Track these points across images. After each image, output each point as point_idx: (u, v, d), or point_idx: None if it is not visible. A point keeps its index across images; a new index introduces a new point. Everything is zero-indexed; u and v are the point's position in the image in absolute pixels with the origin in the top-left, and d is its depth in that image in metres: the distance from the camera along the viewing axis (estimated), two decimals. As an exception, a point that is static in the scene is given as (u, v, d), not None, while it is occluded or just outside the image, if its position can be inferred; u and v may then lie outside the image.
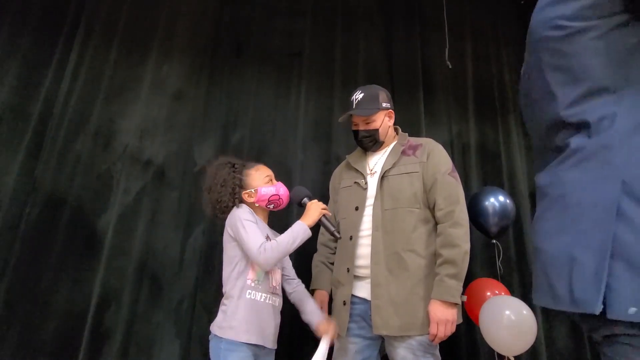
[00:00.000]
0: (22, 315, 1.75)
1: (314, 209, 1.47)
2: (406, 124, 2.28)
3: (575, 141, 0.67)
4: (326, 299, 1.63)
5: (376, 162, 1.64)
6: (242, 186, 1.52)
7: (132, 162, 2.08)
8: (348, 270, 1.52)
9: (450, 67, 2.59)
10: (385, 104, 1.62)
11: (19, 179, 1.92)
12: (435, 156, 1.55)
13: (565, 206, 0.66)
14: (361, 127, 1.62)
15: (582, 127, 0.66)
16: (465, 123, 2.62)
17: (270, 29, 2.49)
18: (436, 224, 1.50)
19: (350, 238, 1.54)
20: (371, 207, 1.53)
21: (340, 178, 1.74)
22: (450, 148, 2.49)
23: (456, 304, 1.37)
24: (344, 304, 1.50)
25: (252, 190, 1.52)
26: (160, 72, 2.26)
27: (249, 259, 1.42)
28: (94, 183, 2.01)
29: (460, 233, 1.42)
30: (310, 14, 2.58)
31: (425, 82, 2.61)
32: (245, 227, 1.40)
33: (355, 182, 1.63)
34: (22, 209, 1.89)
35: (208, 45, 2.37)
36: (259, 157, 2.14)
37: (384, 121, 1.62)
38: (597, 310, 0.57)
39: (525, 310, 1.67)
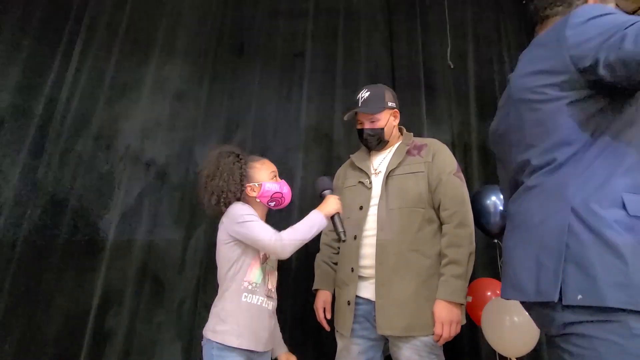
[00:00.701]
0: (24, 316, 1.75)
1: (332, 203, 1.41)
2: (408, 124, 2.27)
3: (537, 179, 0.89)
4: (329, 299, 1.63)
5: (380, 161, 1.63)
6: (247, 178, 1.43)
7: (134, 162, 2.08)
8: (352, 270, 1.51)
9: (452, 67, 2.59)
10: (391, 103, 1.62)
11: (21, 180, 1.92)
12: (440, 156, 1.55)
13: (529, 227, 0.88)
14: (366, 126, 1.61)
15: (542, 168, 0.88)
16: (467, 123, 2.62)
17: (272, 30, 2.49)
18: (441, 224, 1.50)
19: (355, 238, 1.53)
20: (376, 207, 1.53)
21: (344, 177, 1.73)
22: (451, 148, 2.48)
23: (461, 304, 1.37)
24: (348, 304, 1.49)
25: (256, 184, 1.44)
26: (162, 73, 2.26)
27: (245, 261, 1.35)
28: (96, 183, 2.01)
29: (465, 233, 1.42)
30: (312, 14, 2.58)
31: (426, 82, 2.61)
32: (249, 221, 1.32)
33: (359, 182, 1.62)
34: (25, 210, 1.89)
35: (210, 46, 2.37)
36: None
37: (389, 120, 1.61)
38: (555, 298, 0.77)
39: (528, 311, 1.67)
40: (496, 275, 2.13)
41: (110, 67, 2.20)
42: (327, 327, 1.59)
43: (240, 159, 1.45)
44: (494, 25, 2.90)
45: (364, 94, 1.61)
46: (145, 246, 1.97)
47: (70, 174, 1.99)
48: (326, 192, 1.47)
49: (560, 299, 0.77)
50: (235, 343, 1.26)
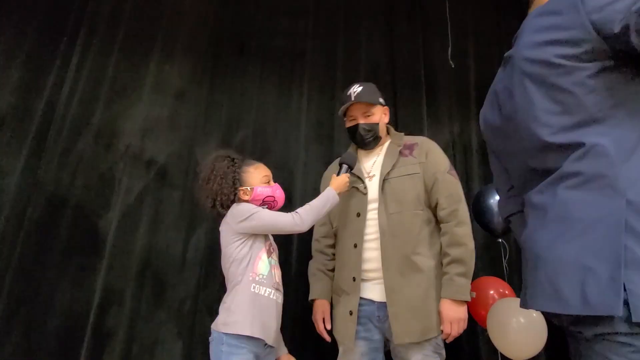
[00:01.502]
0: (24, 315, 1.75)
1: (342, 182, 1.50)
2: (408, 123, 2.27)
3: (572, 165, 0.75)
4: (328, 308, 1.58)
5: (372, 164, 1.60)
6: (240, 182, 1.49)
7: (134, 162, 2.08)
8: (354, 280, 1.47)
9: (452, 66, 2.59)
10: (381, 100, 1.62)
11: (21, 179, 1.92)
12: (433, 155, 1.54)
13: (569, 221, 0.73)
14: (361, 120, 1.57)
15: (574, 150, 0.74)
16: (467, 123, 2.61)
17: (272, 29, 2.49)
18: (437, 223, 1.49)
19: (355, 246, 1.50)
20: (375, 212, 1.50)
21: None
22: (452, 148, 2.48)
23: (466, 301, 1.38)
24: (350, 314, 1.45)
25: (248, 188, 1.49)
26: (162, 72, 2.26)
27: (252, 255, 1.40)
28: (96, 183, 2.00)
29: (465, 231, 1.43)
30: (313, 14, 2.57)
31: (427, 82, 2.60)
32: (260, 211, 1.41)
33: (353, 187, 1.58)
34: (25, 209, 1.88)
35: (210, 46, 2.37)
36: (261, 158, 2.12)
37: (382, 117, 1.61)
38: (619, 312, 0.62)
39: (535, 313, 1.63)
40: (498, 274, 2.12)
41: (110, 67, 2.20)
42: (327, 339, 1.55)
43: (235, 163, 1.51)
44: (495, 24, 2.90)
45: (357, 88, 1.58)
46: (146, 246, 1.96)
47: (70, 174, 1.98)
48: (345, 167, 1.54)
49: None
50: (247, 332, 1.30)
